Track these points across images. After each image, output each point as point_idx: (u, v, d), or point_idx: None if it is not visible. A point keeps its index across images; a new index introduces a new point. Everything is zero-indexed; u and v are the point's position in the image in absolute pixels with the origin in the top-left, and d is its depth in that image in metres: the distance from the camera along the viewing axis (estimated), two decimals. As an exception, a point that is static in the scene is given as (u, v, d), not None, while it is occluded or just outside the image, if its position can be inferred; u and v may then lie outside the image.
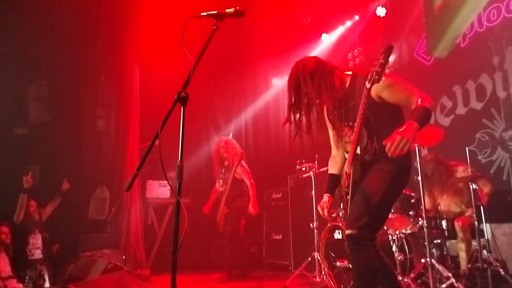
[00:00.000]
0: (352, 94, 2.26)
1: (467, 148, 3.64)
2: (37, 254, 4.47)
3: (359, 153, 2.23)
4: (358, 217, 2.09)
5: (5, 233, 4.15)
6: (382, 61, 1.93)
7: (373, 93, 2.16)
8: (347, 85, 2.32)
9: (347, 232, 2.09)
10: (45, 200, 4.87)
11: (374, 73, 1.94)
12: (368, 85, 1.99)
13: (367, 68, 2.17)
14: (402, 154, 1.85)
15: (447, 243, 3.88)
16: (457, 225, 3.61)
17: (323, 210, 2.46)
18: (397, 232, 3.69)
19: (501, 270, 3.37)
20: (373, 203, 2.08)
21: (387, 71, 2.02)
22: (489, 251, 3.45)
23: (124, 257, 4.67)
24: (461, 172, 3.88)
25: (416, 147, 3.54)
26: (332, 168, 2.55)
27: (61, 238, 5.00)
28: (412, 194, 3.70)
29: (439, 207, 3.90)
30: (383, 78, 2.08)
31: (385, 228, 3.79)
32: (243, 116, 7.49)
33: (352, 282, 2.26)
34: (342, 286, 3.76)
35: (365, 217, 2.07)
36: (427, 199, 4.09)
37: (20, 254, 4.32)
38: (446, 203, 4.01)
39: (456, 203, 4.00)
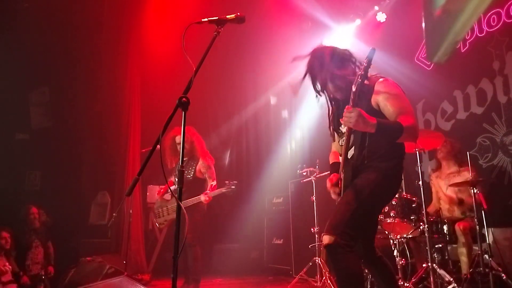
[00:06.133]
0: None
1: (468, 152, 3.63)
2: (36, 269, 4.41)
3: (350, 158, 2.22)
4: (335, 225, 2.07)
5: (4, 238, 4.13)
6: (365, 65, 1.96)
7: (373, 100, 2.17)
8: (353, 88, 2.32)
9: (325, 241, 2.06)
10: (46, 205, 4.86)
11: (359, 77, 1.98)
12: (354, 88, 2.00)
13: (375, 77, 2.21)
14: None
15: (449, 247, 3.87)
16: (458, 229, 3.59)
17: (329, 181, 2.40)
18: (398, 237, 3.68)
19: (503, 274, 3.36)
20: (350, 210, 2.07)
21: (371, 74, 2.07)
22: (490, 256, 3.43)
23: (124, 262, 4.66)
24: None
25: (417, 152, 3.54)
26: (333, 160, 2.52)
27: (61, 243, 5.00)
28: (414, 198, 3.69)
29: (440, 211, 3.90)
30: (388, 87, 2.11)
31: (386, 232, 3.79)
32: (244, 121, 7.49)
33: None
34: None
35: (342, 224, 2.05)
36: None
37: (21, 265, 4.29)
38: (448, 208, 3.99)
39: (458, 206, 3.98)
